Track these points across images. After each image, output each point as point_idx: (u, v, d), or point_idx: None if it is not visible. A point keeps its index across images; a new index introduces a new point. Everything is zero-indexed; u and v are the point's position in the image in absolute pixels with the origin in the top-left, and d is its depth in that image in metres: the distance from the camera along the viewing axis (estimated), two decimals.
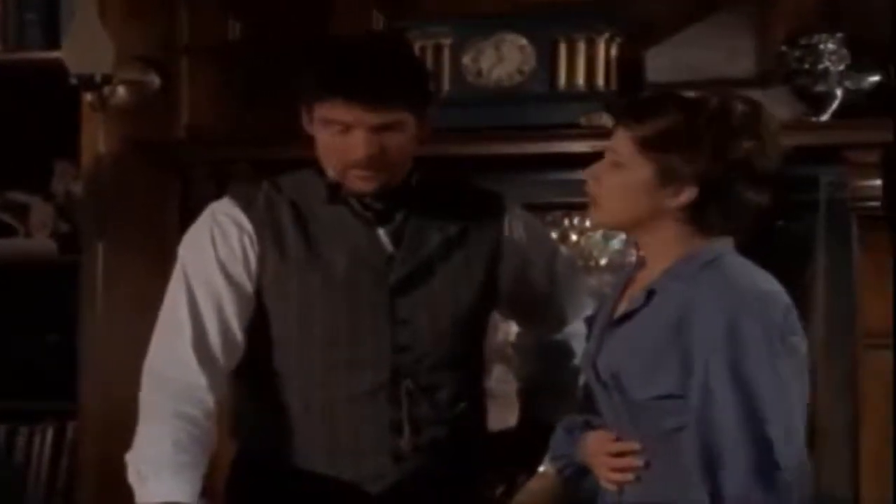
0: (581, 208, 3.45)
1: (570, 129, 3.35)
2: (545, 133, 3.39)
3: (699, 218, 2.24)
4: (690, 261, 2.24)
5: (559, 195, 3.39)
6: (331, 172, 2.47)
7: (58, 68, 3.47)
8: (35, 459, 3.79)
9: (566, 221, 3.57)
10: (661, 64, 3.46)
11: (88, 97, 3.53)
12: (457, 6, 3.54)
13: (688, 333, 2.17)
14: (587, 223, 3.53)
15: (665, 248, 2.27)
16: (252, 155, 3.53)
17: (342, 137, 2.41)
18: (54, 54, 3.53)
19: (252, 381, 2.53)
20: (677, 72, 3.43)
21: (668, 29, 3.46)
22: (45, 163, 3.85)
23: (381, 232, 2.50)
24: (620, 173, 2.26)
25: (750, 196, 2.24)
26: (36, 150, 3.79)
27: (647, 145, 2.23)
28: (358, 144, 2.39)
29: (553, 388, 2.69)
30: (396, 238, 2.50)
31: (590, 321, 2.63)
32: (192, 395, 2.43)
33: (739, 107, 2.26)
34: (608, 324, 2.32)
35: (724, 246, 2.27)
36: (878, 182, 3.23)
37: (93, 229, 3.68)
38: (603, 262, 3.54)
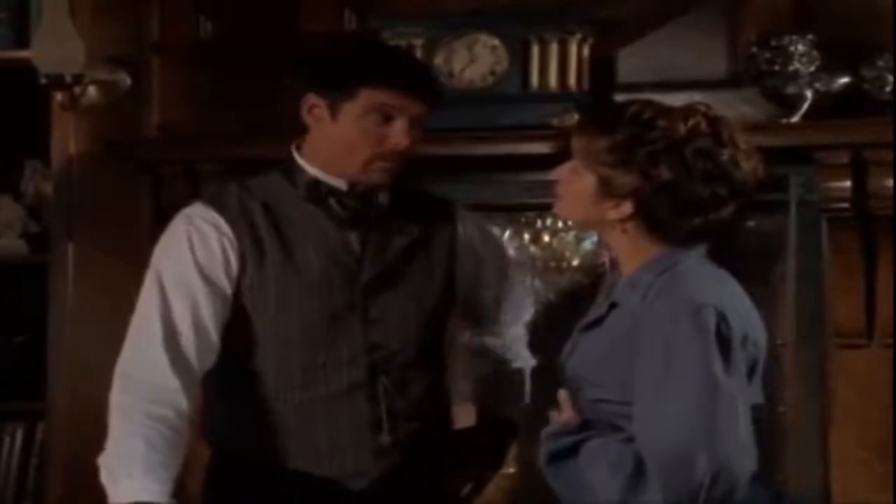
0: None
1: (543, 130, 3.36)
2: (517, 134, 3.39)
3: (652, 228, 2.25)
4: (648, 269, 2.26)
5: (532, 196, 3.39)
6: (321, 170, 2.50)
7: (27, 68, 3.46)
8: (4, 460, 3.77)
9: (539, 222, 3.58)
10: (633, 64, 3.47)
11: (59, 97, 3.52)
12: (429, 6, 3.53)
13: (634, 343, 2.20)
14: (560, 224, 3.53)
15: (627, 254, 2.29)
16: (223, 154, 3.52)
17: (381, 127, 2.47)
18: (24, 53, 3.52)
19: (229, 382, 2.54)
20: (649, 72, 3.44)
21: (640, 29, 3.46)
22: (15, 162, 3.84)
23: (352, 233, 2.53)
24: (573, 179, 2.29)
25: (703, 210, 2.24)
26: (5, 150, 3.78)
27: (590, 157, 2.25)
28: (400, 133, 2.46)
29: (507, 386, 2.75)
30: (364, 239, 2.53)
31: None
32: (163, 397, 2.43)
33: (691, 122, 2.25)
34: (580, 329, 2.35)
35: (685, 253, 2.27)
36: (848, 183, 3.25)
37: (63, 229, 3.67)
38: (575, 262, 3.55)
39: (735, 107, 3.31)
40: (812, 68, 3.28)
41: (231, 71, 3.63)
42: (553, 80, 3.43)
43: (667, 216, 2.23)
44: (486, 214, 3.29)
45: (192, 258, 2.49)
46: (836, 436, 3.34)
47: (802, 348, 3.37)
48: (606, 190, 2.23)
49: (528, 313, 2.82)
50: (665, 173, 2.21)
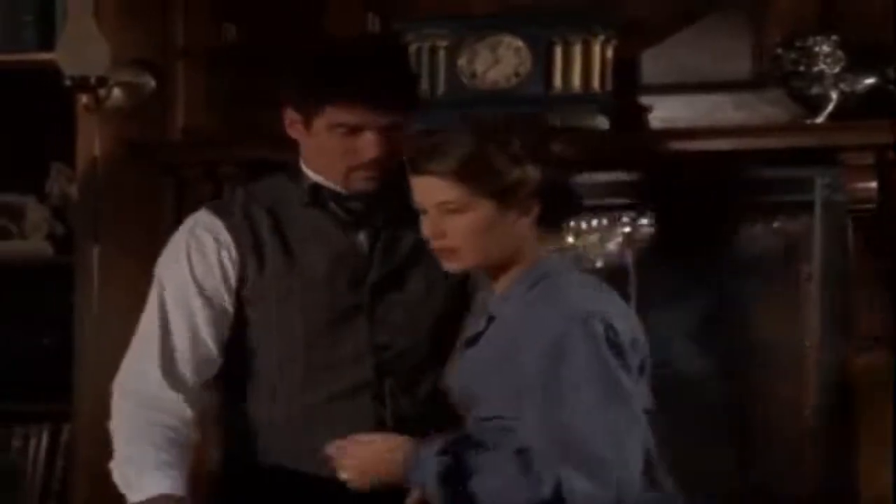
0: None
1: (566, 132, 3.35)
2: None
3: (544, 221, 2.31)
4: (521, 281, 2.30)
5: None
6: (319, 176, 2.51)
7: (53, 70, 3.47)
8: (30, 461, 3.79)
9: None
10: (656, 66, 3.46)
11: (83, 99, 3.53)
12: (452, 8, 3.53)
13: (517, 356, 2.22)
14: (584, 225, 3.52)
15: (501, 264, 2.33)
16: (246, 156, 3.53)
17: (350, 139, 2.46)
18: (49, 56, 3.53)
19: (234, 388, 2.56)
20: (673, 73, 3.43)
21: (663, 31, 3.45)
22: (40, 164, 3.85)
23: (359, 234, 2.54)
24: (464, 217, 2.29)
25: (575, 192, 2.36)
26: (31, 152, 3.79)
27: (466, 178, 2.27)
28: (369, 145, 2.44)
29: None
30: (373, 240, 2.54)
31: None
32: (163, 407, 2.47)
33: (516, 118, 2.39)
34: (460, 346, 2.38)
35: (555, 263, 2.33)
36: (874, 184, 3.23)
37: (88, 231, 3.68)
38: (599, 264, 3.53)
39: (759, 108, 3.30)
40: (837, 69, 3.27)
41: (255, 74, 3.63)
42: (577, 82, 3.43)
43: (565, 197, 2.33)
44: None
45: (189, 272, 2.52)
46: (862, 437, 3.33)
47: (828, 349, 3.36)
48: (508, 199, 2.27)
49: None
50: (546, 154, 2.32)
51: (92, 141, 3.66)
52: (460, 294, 2.59)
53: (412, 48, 3.45)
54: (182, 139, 3.70)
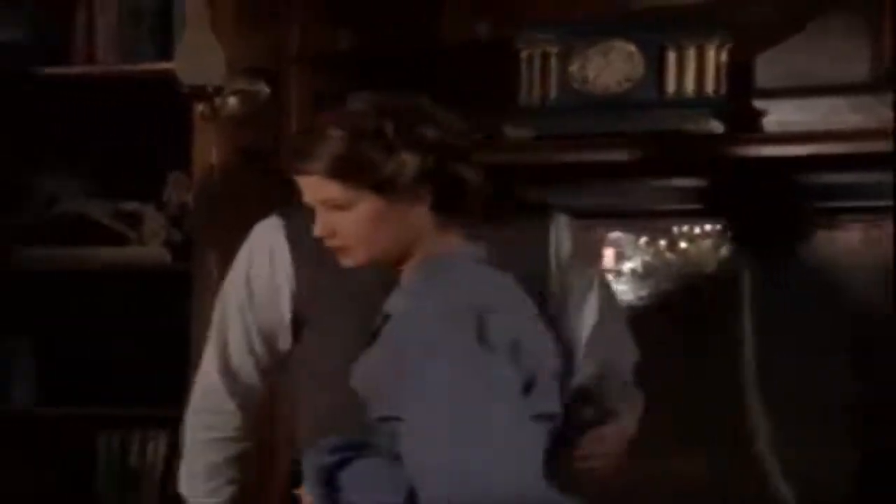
0: (690, 215, 3.44)
1: (679, 136, 3.32)
2: (653, 140, 3.36)
3: (441, 211, 2.20)
4: (416, 274, 2.20)
5: (667, 202, 3.37)
6: None
7: (170, 79, 3.52)
8: (149, 465, 3.84)
9: (675, 229, 3.54)
10: (771, 69, 3.42)
11: (200, 108, 3.57)
12: (564, 13, 3.52)
13: (402, 354, 2.10)
14: (696, 230, 3.49)
15: (402, 260, 2.24)
16: None
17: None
18: (167, 65, 3.59)
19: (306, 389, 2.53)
20: (788, 77, 3.39)
21: (778, 34, 3.41)
22: (158, 173, 3.91)
23: None
24: (351, 213, 2.21)
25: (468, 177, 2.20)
26: (149, 161, 3.85)
27: (340, 176, 2.18)
28: (317, 223, 2.30)
29: None
30: None
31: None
32: (219, 419, 2.53)
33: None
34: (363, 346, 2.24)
35: (456, 253, 2.20)
36: None
37: (204, 238, 3.72)
38: (710, 270, 3.50)
39: (877, 111, 3.25)
40: None
41: (368, 81, 3.65)
42: (690, 86, 3.40)
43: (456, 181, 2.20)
44: (621, 221, 3.28)
45: (245, 279, 2.50)
46: None
47: None
48: (388, 188, 2.17)
49: (617, 353, 2.53)
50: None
51: (208, 149, 3.70)
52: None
53: (523, 55, 3.45)
54: None
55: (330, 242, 2.27)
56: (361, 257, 2.26)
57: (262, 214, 3.68)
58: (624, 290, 3.46)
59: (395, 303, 2.20)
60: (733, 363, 3.33)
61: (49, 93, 3.72)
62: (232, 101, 3.66)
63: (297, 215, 2.44)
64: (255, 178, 3.67)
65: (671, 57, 3.41)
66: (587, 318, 2.49)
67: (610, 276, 3.10)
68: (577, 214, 2.56)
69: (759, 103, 3.43)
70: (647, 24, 3.44)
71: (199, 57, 3.53)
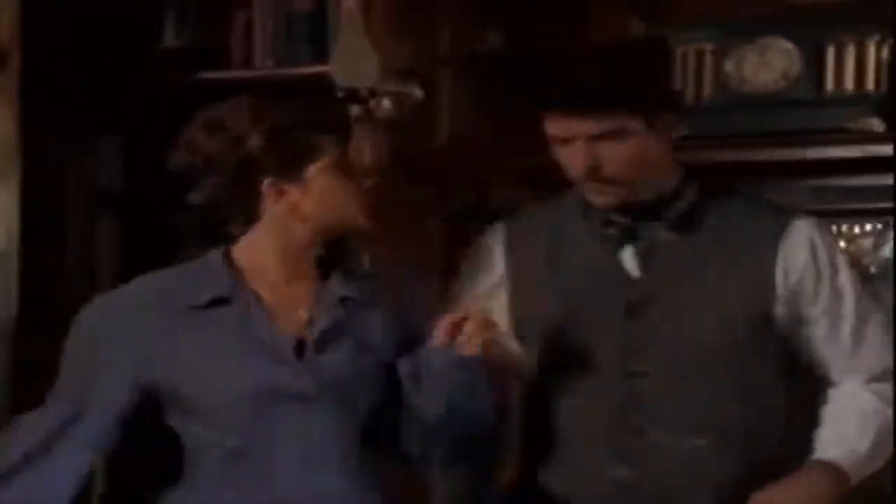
0: (850, 215, 3.37)
1: (839, 134, 3.27)
2: (813, 138, 3.31)
3: None
4: None
5: (828, 202, 3.31)
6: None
7: (325, 82, 3.56)
8: None
9: (834, 228, 3.47)
10: None
11: (355, 110, 3.61)
12: (719, 11, 3.48)
13: None
14: (856, 229, 3.43)
15: None
16: (512, 165, 3.55)
17: (564, 151, 2.33)
18: (322, 69, 3.63)
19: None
20: None
21: None
22: None
23: (627, 251, 2.40)
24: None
25: None
26: None
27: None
28: (576, 157, 2.30)
29: None
30: (645, 257, 2.39)
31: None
32: None
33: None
34: None
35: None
36: None
37: (359, 241, 3.76)
38: (872, 269, 3.42)
39: None
40: None
41: (520, 81, 3.65)
42: (849, 84, 3.34)
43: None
44: None
45: (472, 279, 2.54)
46: None
47: None
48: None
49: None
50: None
51: (363, 151, 3.74)
52: (759, 328, 2.40)
53: (678, 52, 3.42)
54: (448, 148, 3.75)
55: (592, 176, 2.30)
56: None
57: (415, 217, 3.73)
58: None
59: None
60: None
61: (207, 97, 3.79)
62: (385, 103, 3.69)
63: (510, 219, 2.53)
64: (407, 180, 3.70)
65: (830, 54, 3.35)
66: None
67: None
68: None
69: None
70: (804, 20, 3.39)
71: (353, 60, 3.56)
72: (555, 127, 2.32)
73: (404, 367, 2.29)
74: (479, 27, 3.75)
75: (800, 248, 2.40)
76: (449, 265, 3.69)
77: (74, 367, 2.29)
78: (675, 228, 2.38)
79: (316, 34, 3.75)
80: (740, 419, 2.36)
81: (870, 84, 3.32)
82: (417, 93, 3.73)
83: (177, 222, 3.63)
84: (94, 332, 2.28)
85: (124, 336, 2.26)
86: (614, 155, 2.30)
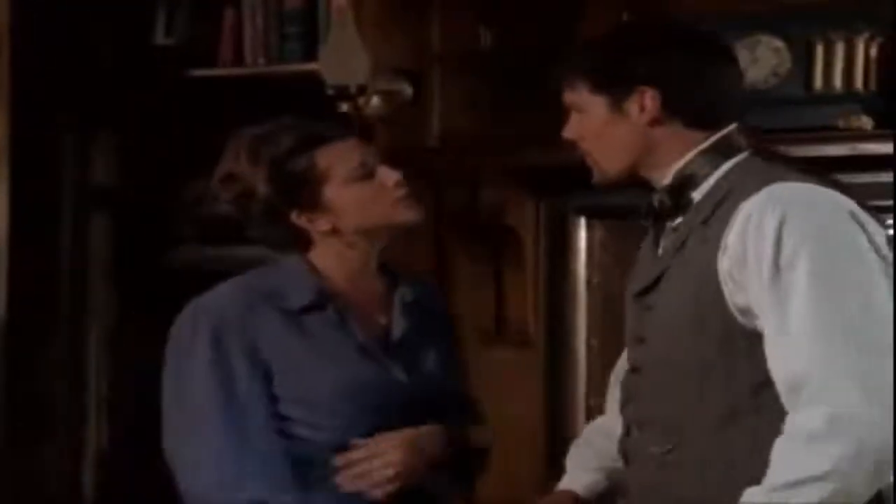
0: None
1: (829, 132, 3.27)
2: (802, 136, 3.31)
3: None
4: None
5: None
6: None
7: (315, 80, 3.56)
8: None
9: None
10: None
11: (344, 107, 3.61)
12: (709, 7, 3.48)
13: None
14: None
15: None
16: (504, 161, 3.55)
17: None
18: (312, 66, 3.63)
19: None
20: None
21: None
22: None
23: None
24: None
25: None
26: None
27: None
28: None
29: None
30: (659, 244, 2.27)
31: None
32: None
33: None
34: None
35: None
36: None
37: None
38: None
39: None
40: None
41: (512, 78, 3.66)
42: (838, 82, 3.34)
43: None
44: None
45: None
46: None
47: None
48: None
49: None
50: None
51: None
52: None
53: None
54: (439, 145, 3.75)
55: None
56: None
57: None
58: None
59: None
60: None
61: (197, 94, 3.79)
62: (375, 100, 3.69)
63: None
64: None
65: (819, 52, 3.36)
66: None
67: None
68: None
69: None
70: (794, 18, 3.39)
71: (343, 57, 3.56)
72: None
73: None
74: (471, 25, 3.75)
75: (736, 224, 2.08)
76: (442, 264, 3.71)
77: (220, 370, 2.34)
78: (671, 217, 2.24)
79: (306, 31, 3.75)
80: (700, 430, 2.11)
81: (859, 82, 3.33)
82: (407, 90, 3.73)
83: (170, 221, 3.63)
84: (216, 333, 2.34)
85: (241, 335, 2.34)
86: (580, 127, 2.26)
